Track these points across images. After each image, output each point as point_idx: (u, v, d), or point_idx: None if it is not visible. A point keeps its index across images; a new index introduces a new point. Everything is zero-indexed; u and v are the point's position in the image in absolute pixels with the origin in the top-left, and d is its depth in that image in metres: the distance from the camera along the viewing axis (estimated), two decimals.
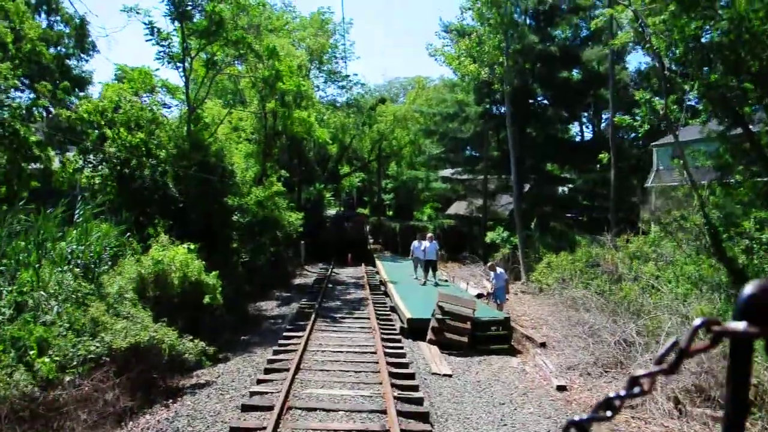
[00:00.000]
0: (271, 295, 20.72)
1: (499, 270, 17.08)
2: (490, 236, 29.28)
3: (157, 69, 22.35)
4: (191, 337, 10.28)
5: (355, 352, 11.70)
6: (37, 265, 9.84)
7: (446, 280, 22.14)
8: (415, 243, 21.55)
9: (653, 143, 29.64)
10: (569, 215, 33.43)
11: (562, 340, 14.39)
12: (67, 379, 7.57)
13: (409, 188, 52.71)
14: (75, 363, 7.86)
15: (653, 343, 11.02)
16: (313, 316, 14.85)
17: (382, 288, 21.62)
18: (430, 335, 13.23)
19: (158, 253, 11.87)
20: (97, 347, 8.35)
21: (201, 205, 16.72)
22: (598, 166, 30.31)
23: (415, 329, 13.72)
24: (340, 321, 15.04)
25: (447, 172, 42.00)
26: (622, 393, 0.77)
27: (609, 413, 0.79)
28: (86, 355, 8.07)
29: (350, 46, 45.83)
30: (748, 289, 0.76)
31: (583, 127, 40.41)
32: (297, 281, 24.52)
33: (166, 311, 11.41)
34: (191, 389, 9.65)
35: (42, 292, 9.10)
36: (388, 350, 11.80)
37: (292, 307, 17.87)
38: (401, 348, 12.24)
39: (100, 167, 16.91)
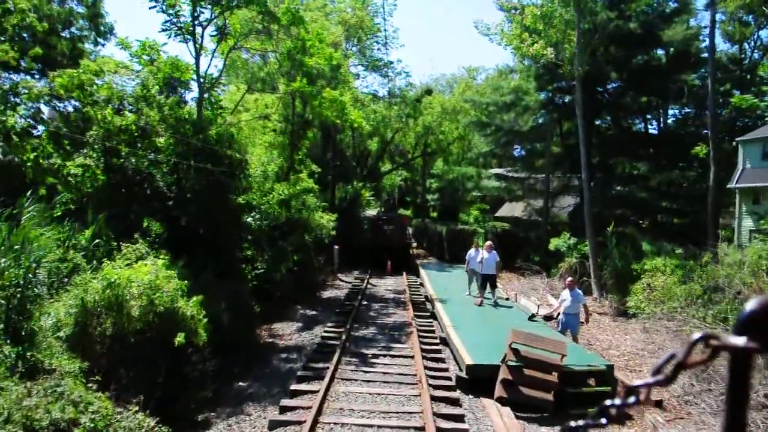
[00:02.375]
0: (293, 313, 17.06)
1: (578, 290, 12.99)
2: (554, 243, 24.99)
3: (165, 44, 18.88)
4: (136, 408, 6.61)
5: (392, 426, 7.81)
6: None
7: (507, 298, 18.07)
8: (472, 252, 17.59)
9: (738, 138, 24.86)
10: (633, 219, 28.89)
11: (682, 396, 10.25)
12: None
13: (456, 188, 48.61)
14: None
15: None
16: (338, 352, 11.05)
17: (428, 306, 17.72)
18: (499, 391, 9.26)
19: (113, 272, 8.27)
20: None
21: (200, 203, 13.17)
22: (680, 162, 25.82)
23: (478, 379, 9.77)
24: (373, 362, 11.16)
25: (495, 172, 37.83)
26: (618, 402, 0.78)
27: (604, 420, 0.78)
28: None
29: (393, 32, 41.90)
30: (750, 305, 0.75)
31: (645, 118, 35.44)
32: (327, 294, 20.81)
33: (118, 357, 7.83)
34: None
35: None
36: (441, 417, 7.94)
37: (314, 333, 14.14)
38: (460, 416, 8.31)
39: (78, 155, 13.55)
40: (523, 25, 22.76)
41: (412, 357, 11.35)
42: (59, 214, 11.95)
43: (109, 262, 8.83)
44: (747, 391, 0.79)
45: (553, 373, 9.30)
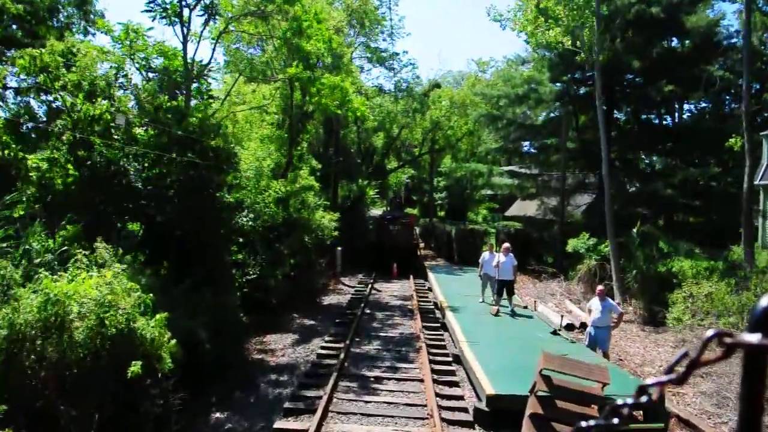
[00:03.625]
0: (289, 323, 15.49)
1: (611, 300, 11.34)
2: (571, 244, 23.25)
3: (150, 28, 17.28)
4: None
5: None
6: None
7: (525, 306, 16.41)
8: (486, 255, 15.94)
9: (763, 132, 23.13)
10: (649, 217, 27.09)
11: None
12: None
13: (464, 186, 46.82)
14: None
15: None
16: (335, 376, 9.44)
17: (438, 315, 16.10)
18: (527, 428, 7.61)
19: (53, 285, 6.69)
20: None
21: (181, 201, 11.57)
22: (706, 157, 24.14)
23: (500, 412, 8.14)
24: (375, 387, 9.52)
25: (507, 169, 36.06)
26: (630, 401, 0.76)
27: (616, 421, 0.77)
28: None
29: (399, 21, 40.05)
30: (764, 301, 0.74)
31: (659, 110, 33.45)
32: (327, 300, 19.21)
33: (56, 393, 6.28)
34: None
35: None
36: None
37: (310, 347, 12.54)
38: None
39: (46, 146, 12.01)
40: (539, 9, 21.08)
41: (421, 381, 9.71)
42: (21, 214, 10.45)
43: (63, 273, 7.27)
44: (762, 389, 0.76)
45: (593, 406, 7.66)
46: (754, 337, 0.72)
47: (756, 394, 0.77)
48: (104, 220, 11.36)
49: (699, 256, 20.82)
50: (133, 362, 6.66)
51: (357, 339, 12.82)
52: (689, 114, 31.54)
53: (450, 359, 11.25)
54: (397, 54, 32.08)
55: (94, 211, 11.31)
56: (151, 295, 7.99)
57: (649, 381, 0.77)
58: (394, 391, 9.26)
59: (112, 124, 12.09)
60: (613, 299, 20.33)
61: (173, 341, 7.65)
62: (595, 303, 11.02)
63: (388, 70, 32.65)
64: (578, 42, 20.83)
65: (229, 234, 13.99)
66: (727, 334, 0.74)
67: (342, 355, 10.76)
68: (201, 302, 10.01)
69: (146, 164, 11.93)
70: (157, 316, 7.48)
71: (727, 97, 32.16)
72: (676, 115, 30.96)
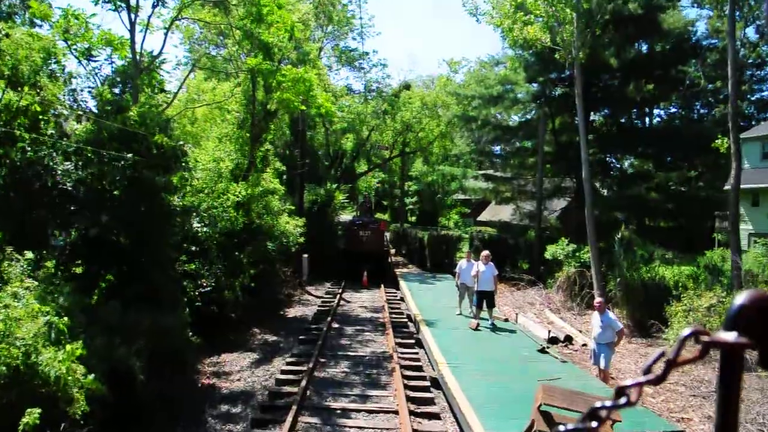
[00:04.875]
0: (249, 339, 14.01)
1: (610, 314, 10.20)
2: (550, 250, 22.23)
3: (93, 14, 15.61)
4: None
5: None
6: None
7: (506, 319, 15.19)
8: (463, 263, 14.72)
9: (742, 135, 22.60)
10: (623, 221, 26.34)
11: None
12: None
13: (435, 191, 45.71)
14: None
15: None
16: (294, 409, 8.01)
17: (412, 328, 14.80)
18: None
19: None
20: None
21: (118, 206, 10.01)
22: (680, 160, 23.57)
23: None
24: (342, 423, 8.08)
25: (482, 173, 34.97)
26: (608, 404, 0.75)
27: (594, 424, 0.76)
28: None
29: (369, 20, 38.81)
30: (739, 299, 0.75)
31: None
32: (293, 312, 17.74)
33: None
34: None
35: None
36: None
37: (271, 369, 11.09)
38: None
39: None
40: (517, 3, 20.02)
41: (395, 413, 8.35)
42: None
43: None
44: (738, 387, 0.77)
45: None
46: (730, 336, 0.72)
47: (732, 391, 0.77)
48: (35, 230, 9.81)
49: (675, 262, 20.01)
50: (29, 410, 5.17)
51: (323, 359, 11.40)
52: (661, 117, 31.02)
53: (428, 383, 9.93)
54: (367, 53, 30.85)
55: (17, 219, 9.73)
56: (66, 318, 6.50)
57: (627, 382, 0.74)
58: (364, 428, 7.87)
59: (42, 117, 10.51)
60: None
61: (91, 376, 6.17)
62: (595, 318, 9.89)
63: (358, 70, 31.31)
64: (558, 38, 19.82)
65: (179, 243, 12.46)
66: (704, 332, 0.73)
67: (304, 382, 9.33)
68: (138, 324, 8.49)
69: (80, 163, 10.35)
70: (68, 347, 5.99)
71: (697, 102, 31.83)
72: (648, 118, 30.40)
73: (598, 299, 10.33)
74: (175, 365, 9.16)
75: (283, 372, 10.54)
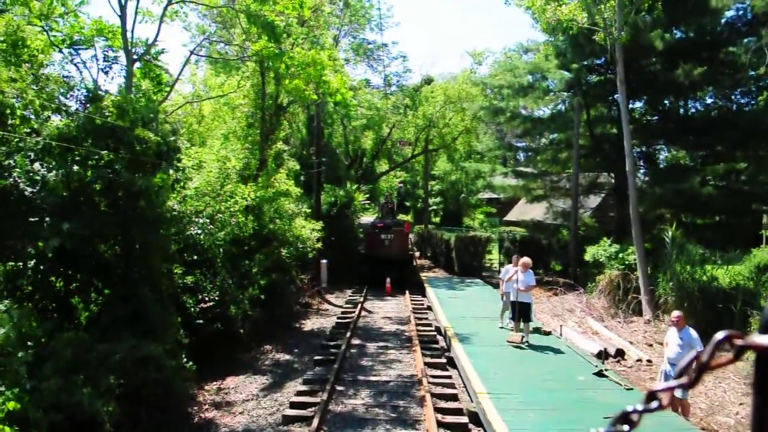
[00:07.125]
0: (259, 359, 12.45)
1: (691, 330, 8.36)
2: (591, 251, 20.33)
3: (82, 1, 14.12)
4: None
5: None
6: None
7: (549, 333, 13.35)
8: (509, 267, 12.97)
9: None
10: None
11: None
12: None
13: (460, 190, 43.87)
14: None
15: None
16: None
17: (442, 343, 13.08)
18: None
19: None
20: None
21: (97, 214, 8.49)
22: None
23: None
24: None
25: (512, 169, 33.03)
26: (640, 407, 0.73)
27: (626, 427, 0.74)
28: None
29: (388, 10, 36.96)
30: None
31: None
32: (310, 325, 16.14)
33: None
34: None
35: None
36: None
37: (279, 398, 9.49)
38: None
39: None
40: None
41: None
42: None
43: None
44: None
45: None
46: (765, 339, 0.69)
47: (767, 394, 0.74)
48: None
49: (718, 261, 17.93)
50: None
51: (340, 387, 9.73)
52: (706, 104, 28.70)
53: (465, 419, 8.21)
54: (386, 45, 29.16)
55: None
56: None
57: (658, 386, 0.72)
58: None
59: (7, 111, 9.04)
60: (642, 315, 17.51)
61: None
62: (671, 334, 8.14)
63: (377, 63, 29.63)
64: (597, 17, 17.92)
65: (175, 253, 10.93)
66: (737, 335, 0.70)
67: (316, 420, 7.67)
68: (109, 354, 6.93)
69: (51, 164, 8.85)
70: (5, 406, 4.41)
71: (737, 90, 29.44)
72: (697, 104, 28.02)
73: (676, 313, 8.50)
74: (157, 407, 7.57)
75: (293, 402, 8.90)
